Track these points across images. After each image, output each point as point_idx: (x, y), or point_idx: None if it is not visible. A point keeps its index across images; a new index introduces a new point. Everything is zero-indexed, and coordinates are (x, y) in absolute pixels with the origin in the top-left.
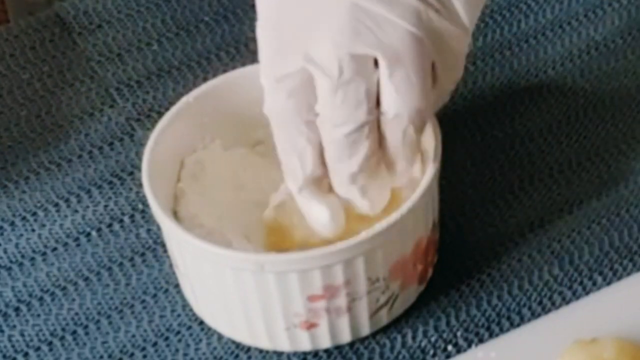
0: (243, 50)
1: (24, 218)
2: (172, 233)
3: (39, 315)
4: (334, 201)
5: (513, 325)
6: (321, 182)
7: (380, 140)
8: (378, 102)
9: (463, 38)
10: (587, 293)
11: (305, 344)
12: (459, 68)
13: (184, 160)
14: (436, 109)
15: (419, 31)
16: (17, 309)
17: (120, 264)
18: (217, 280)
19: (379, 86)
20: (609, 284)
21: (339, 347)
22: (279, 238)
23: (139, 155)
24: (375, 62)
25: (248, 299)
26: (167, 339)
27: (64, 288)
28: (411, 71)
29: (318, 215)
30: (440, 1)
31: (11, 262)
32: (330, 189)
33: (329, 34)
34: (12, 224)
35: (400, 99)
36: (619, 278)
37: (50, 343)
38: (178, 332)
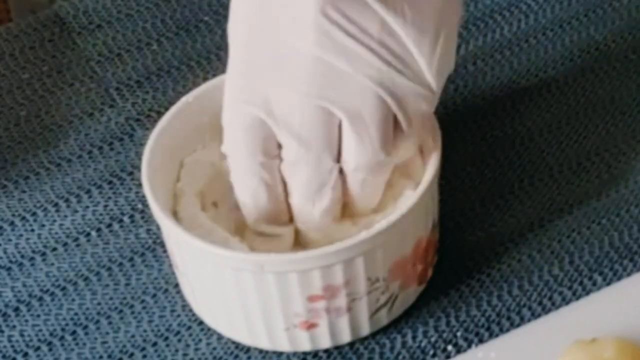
0: None
1: (23, 218)
2: (171, 233)
3: (38, 316)
4: (287, 231)
5: (513, 325)
6: (277, 216)
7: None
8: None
9: (428, 97)
10: (587, 293)
11: (305, 344)
12: (426, 125)
13: (183, 160)
14: (401, 159)
15: (381, 89)
16: (16, 309)
17: (120, 264)
18: (217, 280)
19: (340, 137)
20: (609, 284)
21: (338, 347)
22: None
23: (138, 155)
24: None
25: (248, 299)
26: (166, 339)
27: (64, 288)
28: (372, 127)
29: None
30: (403, 62)
31: (11, 262)
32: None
33: (292, 82)
34: (12, 224)
35: (359, 152)
36: (619, 278)
37: (49, 343)
38: (178, 332)
